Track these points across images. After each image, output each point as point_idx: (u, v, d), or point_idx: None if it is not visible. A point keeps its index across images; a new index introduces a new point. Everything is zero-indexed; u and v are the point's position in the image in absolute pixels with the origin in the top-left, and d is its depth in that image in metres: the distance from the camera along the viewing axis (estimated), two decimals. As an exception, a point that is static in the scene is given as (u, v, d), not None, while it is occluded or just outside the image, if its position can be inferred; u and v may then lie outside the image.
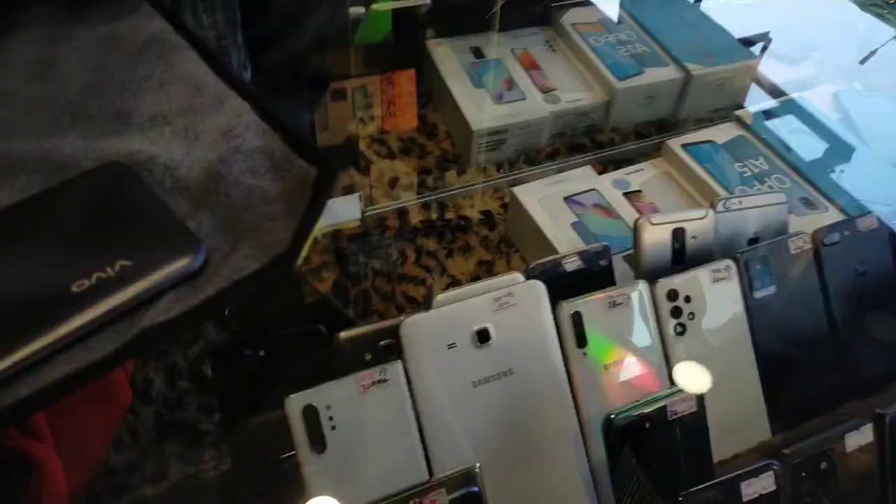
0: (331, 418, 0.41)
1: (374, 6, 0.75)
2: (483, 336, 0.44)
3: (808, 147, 0.69)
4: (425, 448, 0.42)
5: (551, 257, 0.49)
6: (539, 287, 0.45)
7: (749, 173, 0.65)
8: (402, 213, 0.67)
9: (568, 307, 0.46)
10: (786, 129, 0.69)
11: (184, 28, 0.33)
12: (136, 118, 0.29)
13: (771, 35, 0.87)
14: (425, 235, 0.67)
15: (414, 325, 0.43)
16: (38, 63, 0.32)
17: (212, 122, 0.29)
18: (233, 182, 0.27)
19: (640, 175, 0.68)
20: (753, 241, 0.53)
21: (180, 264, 0.26)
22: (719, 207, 0.52)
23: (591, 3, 0.84)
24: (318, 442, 0.40)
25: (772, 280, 0.50)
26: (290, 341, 0.47)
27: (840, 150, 0.69)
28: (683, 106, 0.77)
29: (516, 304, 0.45)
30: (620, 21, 0.82)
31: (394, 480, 0.40)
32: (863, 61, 0.88)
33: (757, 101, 0.77)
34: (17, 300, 0.26)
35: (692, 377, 0.47)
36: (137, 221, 0.26)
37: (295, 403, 0.40)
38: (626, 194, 0.66)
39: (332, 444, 0.41)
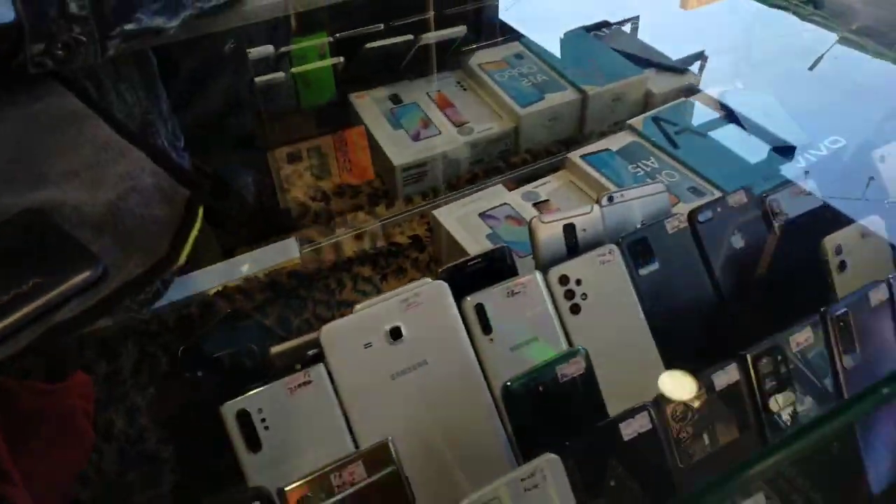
0: (263, 420, 0.46)
1: (293, 70, 0.83)
2: (395, 333, 0.49)
3: (694, 143, 0.76)
4: (354, 439, 0.48)
5: (457, 261, 0.55)
6: (442, 286, 0.51)
7: (642, 172, 0.73)
8: (337, 246, 0.74)
9: (471, 300, 0.52)
10: (672, 130, 0.77)
11: (93, 103, 0.40)
12: (52, 176, 0.36)
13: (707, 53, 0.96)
14: (360, 264, 0.73)
15: (332, 330, 0.48)
16: (-27, 140, 0.38)
17: (114, 170, 0.36)
18: (128, 213, 0.34)
19: (547, 187, 0.75)
20: (642, 228, 0.60)
21: (82, 276, 0.32)
22: (603, 202, 0.59)
23: (496, 45, 0.93)
24: (253, 442, 0.45)
25: (654, 258, 0.57)
26: (228, 361, 0.52)
27: (723, 142, 0.77)
28: (585, 123, 0.85)
29: (423, 303, 0.51)
30: (521, 57, 0.90)
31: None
32: (811, 67, 0.96)
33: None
34: None
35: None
36: (48, 249, 0.33)
37: (229, 409, 0.45)
38: (535, 205, 0.73)
39: (266, 443, 0.46)
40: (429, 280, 0.52)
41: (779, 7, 1.01)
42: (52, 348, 0.43)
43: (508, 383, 0.46)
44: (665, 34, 1.02)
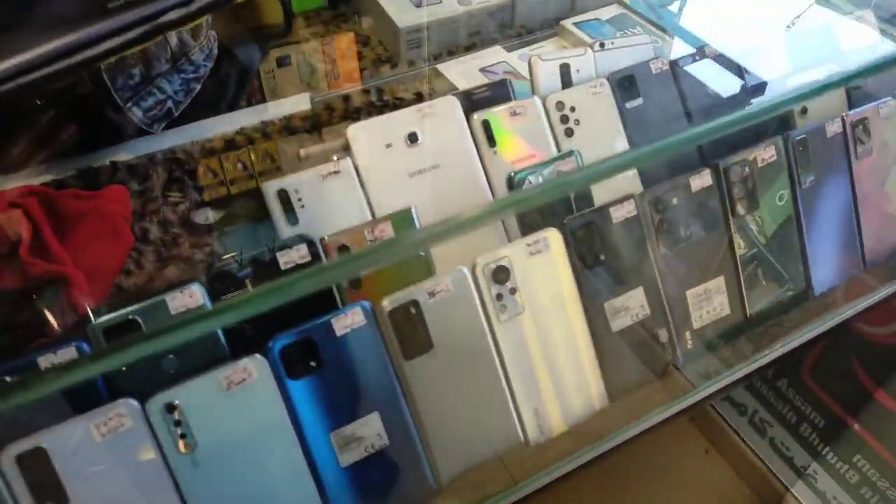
0: (300, 199, 0.53)
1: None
2: (413, 137, 0.56)
3: (676, 18, 0.83)
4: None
5: (465, 89, 0.62)
6: (453, 100, 0.58)
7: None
8: (346, 98, 0.79)
9: (478, 116, 0.58)
10: (657, 4, 0.84)
11: None
12: None
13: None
14: (367, 114, 0.79)
15: (359, 128, 0.55)
16: None
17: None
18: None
19: (541, 49, 0.81)
20: (629, 73, 0.67)
21: None
22: (596, 48, 0.66)
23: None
24: (291, 216, 0.52)
25: (639, 94, 0.64)
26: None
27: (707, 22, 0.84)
28: (577, 1, 0.91)
29: (437, 115, 0.57)
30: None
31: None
32: (789, 26, 1.00)
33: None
34: None
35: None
36: None
37: (270, 187, 0.52)
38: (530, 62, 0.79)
39: (302, 218, 0.52)
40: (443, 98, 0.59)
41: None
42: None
43: (513, 173, 0.53)
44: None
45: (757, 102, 0.73)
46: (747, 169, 0.57)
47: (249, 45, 0.85)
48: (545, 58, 0.64)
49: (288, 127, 0.76)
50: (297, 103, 0.79)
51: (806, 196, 0.60)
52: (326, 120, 0.78)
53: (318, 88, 0.89)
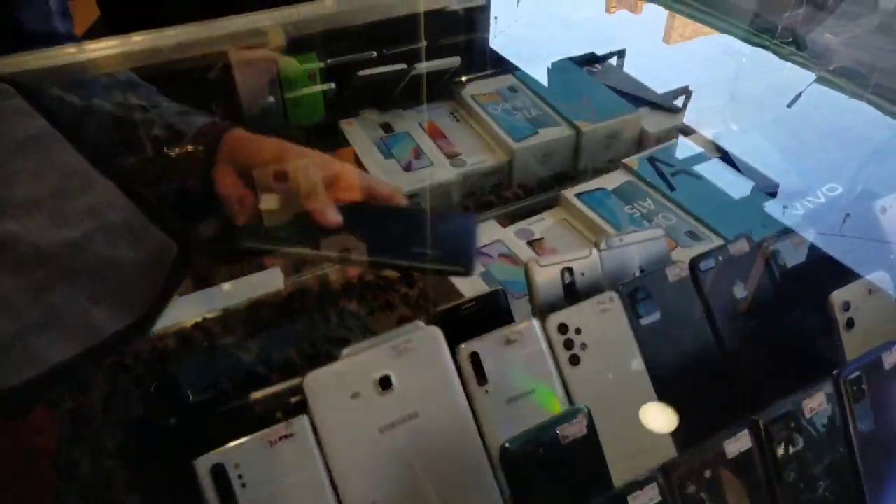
0: (240, 476, 0.42)
1: (288, 95, 0.80)
2: (385, 383, 0.46)
3: (691, 185, 0.75)
4: (338, 499, 0.44)
5: (450, 304, 0.53)
6: (436, 332, 0.48)
7: (638, 214, 0.71)
8: (323, 278, 0.71)
9: (466, 348, 0.49)
10: (668, 171, 0.76)
11: (61, 124, 0.37)
12: (11, 206, 0.32)
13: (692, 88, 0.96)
14: (347, 298, 0.70)
15: (316, 379, 0.45)
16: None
17: (79, 203, 0.33)
18: (91, 254, 0.31)
19: (541, 224, 0.73)
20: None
21: None
22: (602, 246, 0.57)
23: (489, 77, 0.91)
24: (229, 500, 0.42)
25: (656, 307, 0.55)
26: (203, 407, 0.49)
27: (719, 185, 0.75)
28: (580, 159, 0.83)
29: (415, 350, 0.48)
30: (515, 90, 0.89)
31: (307, 531, 0.42)
32: (790, 105, 0.96)
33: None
34: None
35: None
36: None
37: (203, 464, 0.42)
38: (529, 243, 0.70)
39: (243, 501, 0.42)
40: (421, 325, 0.50)
41: (760, 46, 1.01)
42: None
43: (507, 445, 0.43)
44: (649, 68, 1.03)
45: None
46: (793, 423, 0.47)
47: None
48: (544, 263, 0.55)
49: (255, 318, 0.67)
50: (268, 281, 0.71)
51: (865, 444, 0.50)
52: (299, 306, 0.69)
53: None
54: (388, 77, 0.81)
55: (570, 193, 0.74)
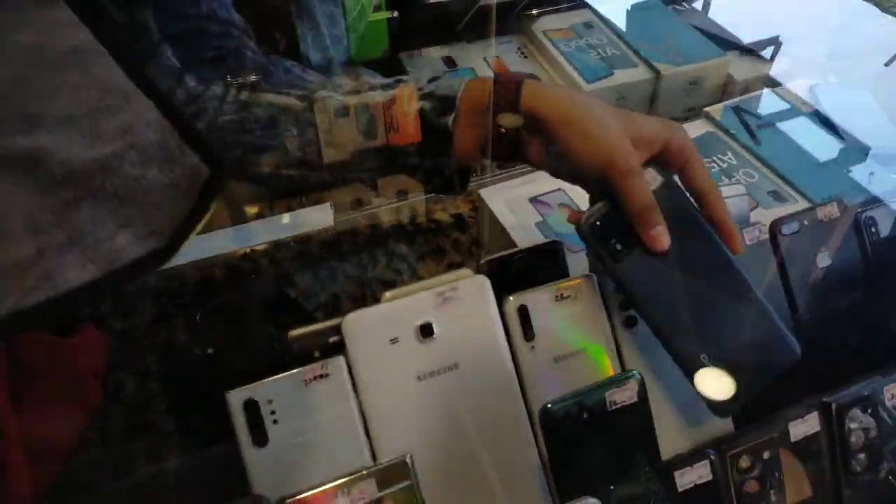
0: (272, 412, 0.41)
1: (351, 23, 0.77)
2: (426, 330, 0.44)
3: (778, 141, 0.68)
4: (371, 444, 0.43)
5: (501, 253, 0.50)
6: (483, 281, 0.46)
7: (717, 168, 0.65)
8: (373, 216, 0.68)
9: (514, 301, 0.46)
10: (755, 123, 0.69)
11: (105, 36, 0.35)
12: (46, 120, 0.31)
13: (781, 39, 0.87)
14: (397, 240, 0.68)
15: (356, 321, 0.43)
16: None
17: (114, 121, 0.31)
18: (120, 174, 0.29)
19: (609, 174, 0.68)
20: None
21: None
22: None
23: (563, 10, 0.85)
24: (259, 436, 0.41)
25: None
26: (242, 339, 0.48)
27: (810, 143, 0.68)
28: (656, 106, 0.77)
29: (460, 299, 0.45)
30: (591, 26, 0.82)
31: (337, 474, 0.41)
32: (888, 63, 0.88)
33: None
34: None
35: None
36: None
37: (236, 397, 0.41)
38: (593, 194, 0.66)
39: (274, 439, 0.41)
40: (469, 272, 0.47)
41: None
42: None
43: (549, 405, 0.40)
44: (735, 16, 0.93)
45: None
46: (871, 409, 0.42)
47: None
48: (608, 216, 0.51)
49: (302, 253, 0.66)
50: (318, 216, 0.69)
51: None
52: (348, 245, 0.67)
53: (375, 143, 0.79)
54: (454, 6, 0.76)
55: (642, 142, 0.68)
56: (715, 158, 0.67)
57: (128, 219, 0.28)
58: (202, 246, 0.65)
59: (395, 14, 0.75)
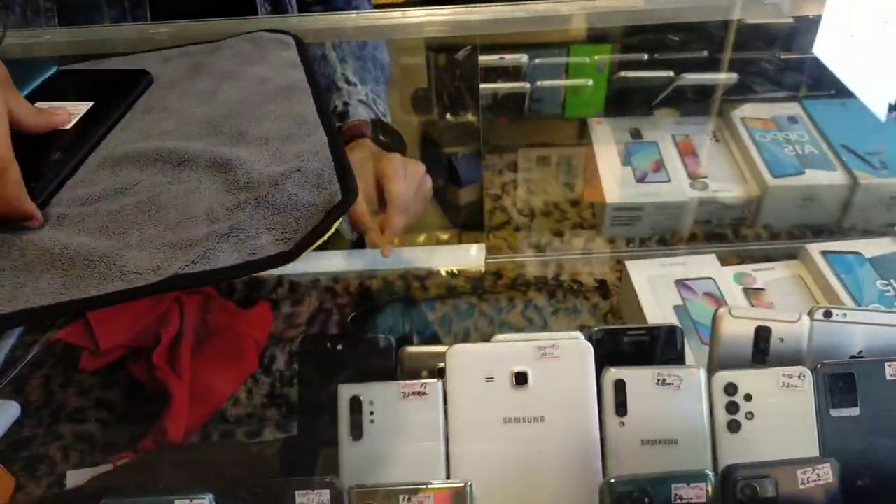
0: (372, 412, 0.47)
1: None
2: (521, 378, 0.47)
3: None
4: (447, 464, 0.47)
5: (616, 325, 0.51)
6: (584, 346, 0.48)
7: (892, 293, 0.59)
8: (520, 266, 0.73)
9: (613, 373, 0.47)
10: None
11: (313, 80, 0.44)
12: (248, 138, 0.40)
13: None
14: (537, 290, 0.71)
15: (459, 353, 0.48)
16: (207, 93, 0.45)
17: (295, 147, 0.39)
18: (283, 190, 0.36)
19: (770, 274, 0.65)
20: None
21: None
22: (818, 315, 0.50)
23: (770, 100, 0.83)
24: (357, 430, 0.47)
25: (856, 401, 0.46)
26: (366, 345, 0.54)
27: None
28: (848, 215, 0.72)
29: (559, 358, 0.48)
30: (795, 120, 0.79)
31: (414, 479, 0.45)
32: None
33: None
34: None
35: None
36: None
37: (345, 391, 0.48)
38: (745, 290, 0.64)
39: (368, 435, 0.47)
40: (578, 335, 0.49)
41: None
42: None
43: (612, 480, 0.41)
44: None
45: None
46: None
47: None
48: (737, 314, 0.50)
49: (449, 286, 0.72)
50: (472, 255, 0.75)
51: None
52: (491, 286, 0.72)
53: (571, 195, 0.83)
54: (649, 82, 0.79)
55: (814, 249, 0.65)
56: (892, 281, 0.61)
57: (274, 224, 0.35)
58: (369, 259, 0.74)
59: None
